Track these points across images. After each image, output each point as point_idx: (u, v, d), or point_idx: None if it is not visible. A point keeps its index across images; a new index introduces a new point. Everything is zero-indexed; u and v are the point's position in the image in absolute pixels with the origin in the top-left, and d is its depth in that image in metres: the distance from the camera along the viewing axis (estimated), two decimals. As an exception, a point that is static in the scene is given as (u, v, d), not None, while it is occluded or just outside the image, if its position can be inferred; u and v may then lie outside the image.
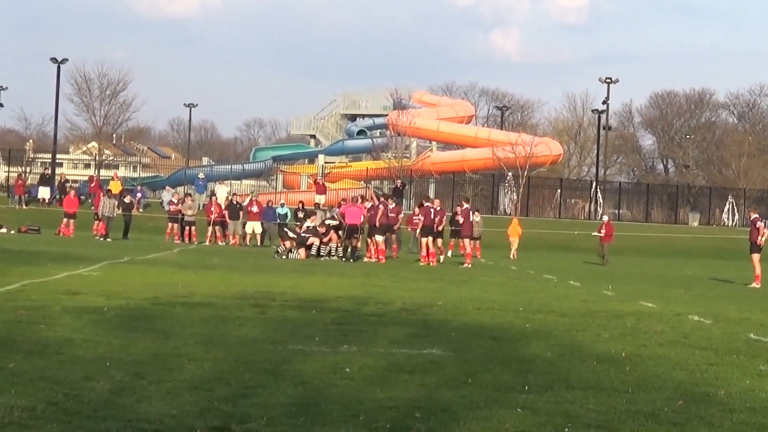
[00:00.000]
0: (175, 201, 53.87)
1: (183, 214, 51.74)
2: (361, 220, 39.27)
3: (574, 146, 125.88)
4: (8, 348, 11.98)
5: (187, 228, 51.57)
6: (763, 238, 33.47)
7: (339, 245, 38.92)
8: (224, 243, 50.94)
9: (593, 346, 14.34)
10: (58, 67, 77.94)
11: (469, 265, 37.21)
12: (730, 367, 12.67)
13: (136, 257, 33.22)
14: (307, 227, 40.13)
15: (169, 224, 52.66)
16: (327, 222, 39.74)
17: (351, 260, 37.88)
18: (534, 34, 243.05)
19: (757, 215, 34.60)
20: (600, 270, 39.86)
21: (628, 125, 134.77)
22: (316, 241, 38.97)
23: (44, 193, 65.62)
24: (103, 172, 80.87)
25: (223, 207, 52.90)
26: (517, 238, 50.72)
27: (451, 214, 45.47)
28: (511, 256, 48.58)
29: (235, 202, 52.58)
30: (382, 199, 40.88)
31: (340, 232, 39.10)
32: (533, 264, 41.36)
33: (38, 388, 9.65)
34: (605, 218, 52.48)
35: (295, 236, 39.54)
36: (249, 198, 55.53)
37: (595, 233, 48.71)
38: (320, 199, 58.12)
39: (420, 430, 8.65)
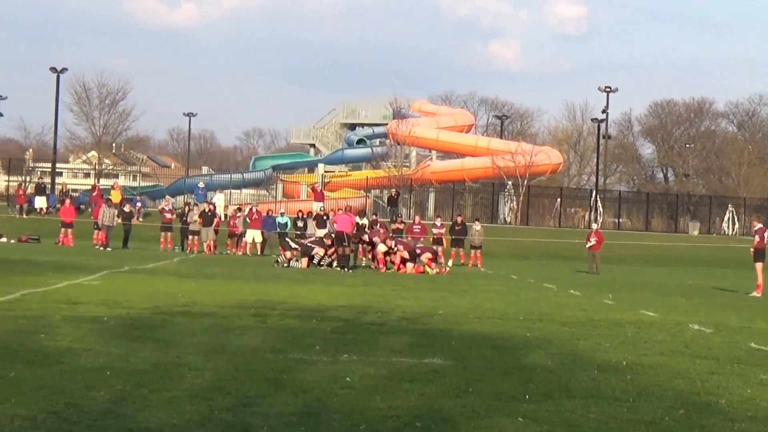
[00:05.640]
0: (167, 209, 53.87)
1: (188, 224, 51.78)
2: (352, 228, 39.18)
3: (573, 155, 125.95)
4: (9, 357, 11.95)
5: (190, 237, 51.61)
6: (752, 248, 33.31)
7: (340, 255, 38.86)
8: (227, 252, 50.90)
9: (594, 355, 14.31)
10: (58, 77, 78.04)
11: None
12: (731, 376, 12.64)
13: (136, 266, 33.22)
14: (315, 238, 40.38)
15: (162, 233, 52.55)
16: (332, 234, 39.63)
17: (344, 268, 37.47)
18: (533, 43, 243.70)
19: (761, 225, 33.91)
20: (600, 279, 39.79)
21: (628, 134, 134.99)
22: (320, 251, 38.83)
23: (41, 203, 65.57)
24: (103, 182, 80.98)
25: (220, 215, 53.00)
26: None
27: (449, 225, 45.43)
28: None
29: (207, 210, 52.30)
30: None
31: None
32: (533, 273, 41.32)
33: (39, 398, 9.62)
34: (594, 226, 52.25)
35: (298, 246, 39.46)
36: (249, 207, 55.50)
37: (587, 243, 47.54)
38: (317, 206, 58.07)
39: (421, 440, 8.64)
